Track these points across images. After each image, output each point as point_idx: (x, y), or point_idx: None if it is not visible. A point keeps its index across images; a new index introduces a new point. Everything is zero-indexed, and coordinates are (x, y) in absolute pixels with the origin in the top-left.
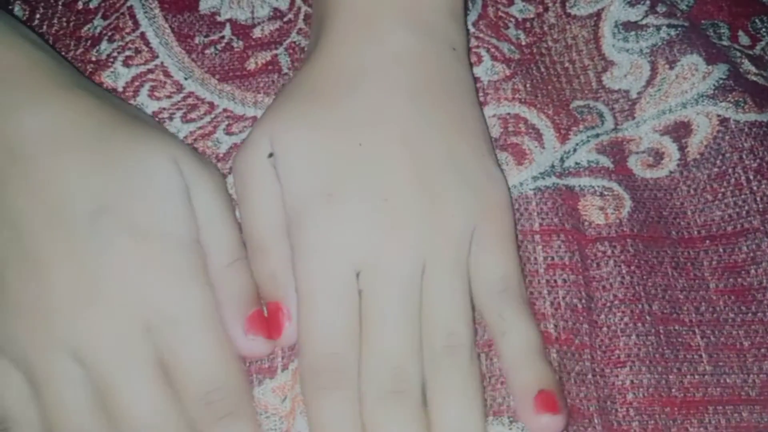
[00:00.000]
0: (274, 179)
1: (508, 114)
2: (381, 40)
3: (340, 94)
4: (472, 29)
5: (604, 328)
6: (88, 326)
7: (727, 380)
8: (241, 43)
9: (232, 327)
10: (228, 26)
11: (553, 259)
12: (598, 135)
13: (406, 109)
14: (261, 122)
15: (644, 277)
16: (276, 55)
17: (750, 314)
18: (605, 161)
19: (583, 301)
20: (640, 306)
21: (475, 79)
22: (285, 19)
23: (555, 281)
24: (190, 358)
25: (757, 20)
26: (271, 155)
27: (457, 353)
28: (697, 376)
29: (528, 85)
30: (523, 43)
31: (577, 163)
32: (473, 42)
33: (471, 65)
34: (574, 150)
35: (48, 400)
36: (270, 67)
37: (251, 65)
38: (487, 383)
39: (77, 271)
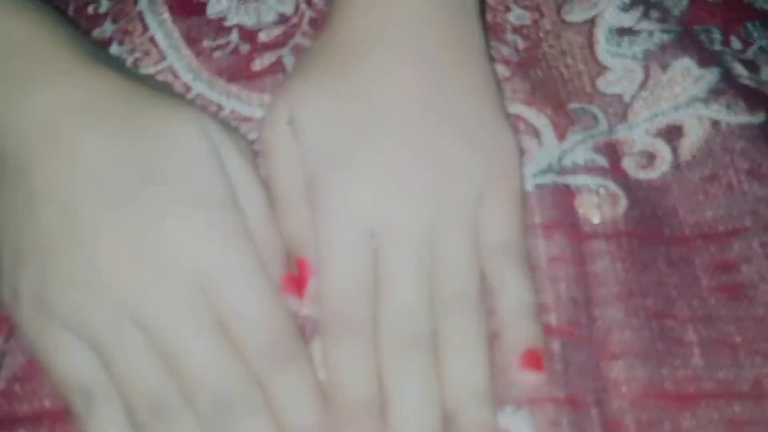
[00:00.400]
0: (295, 144)
1: (509, 113)
2: (390, 2)
3: (352, 62)
4: None
5: (599, 323)
6: (147, 292)
7: (720, 375)
8: (247, 46)
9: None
10: (235, 31)
11: (554, 252)
12: (593, 136)
13: (416, 74)
14: (281, 91)
15: (638, 273)
16: (281, 57)
17: (742, 311)
18: (601, 160)
19: (582, 295)
20: (634, 302)
21: None
22: (290, 24)
23: (557, 275)
24: (245, 311)
25: (749, 25)
26: (290, 122)
27: (466, 307)
28: (690, 371)
29: (527, 86)
30: (521, 47)
31: (574, 162)
32: None
33: (484, 22)
34: (572, 149)
35: (118, 368)
36: (275, 68)
37: (257, 66)
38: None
39: (128, 240)
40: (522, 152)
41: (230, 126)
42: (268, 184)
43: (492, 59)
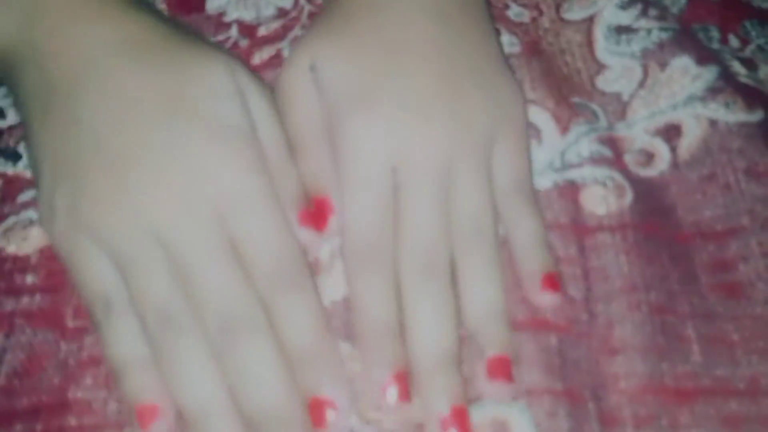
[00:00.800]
0: (315, 89)
1: None
2: None
3: (371, 13)
4: None
5: (601, 318)
6: (168, 213)
7: (717, 372)
8: (246, 41)
9: (289, 218)
10: (234, 26)
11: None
12: (596, 129)
13: (431, 26)
14: (300, 44)
15: (643, 267)
16: (280, 49)
17: (739, 309)
18: (606, 152)
19: (582, 292)
20: (636, 296)
21: None
22: (289, 17)
23: None
24: (259, 238)
25: (747, 23)
26: (312, 68)
27: (483, 237)
28: (688, 367)
29: (527, 80)
30: (523, 39)
31: (578, 154)
32: None
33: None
34: (576, 141)
35: (136, 281)
36: (275, 61)
37: (256, 60)
38: None
39: (153, 162)
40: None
41: (255, 72)
42: (287, 129)
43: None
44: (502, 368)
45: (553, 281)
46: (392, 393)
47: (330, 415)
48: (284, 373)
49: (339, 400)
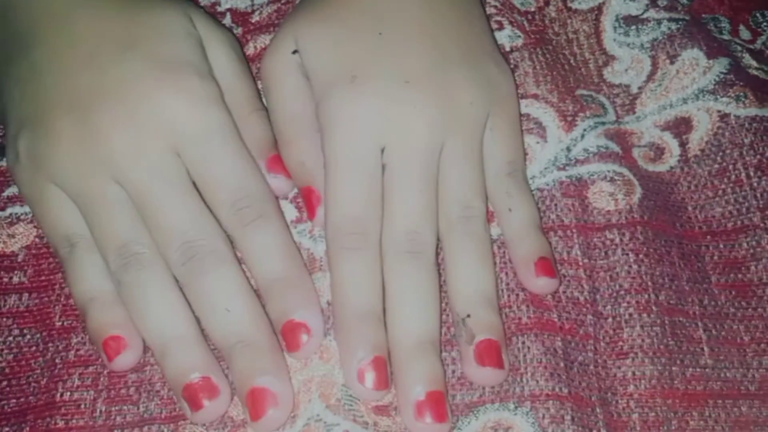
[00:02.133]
0: (300, 74)
1: None
2: None
3: None
4: None
5: (609, 319)
6: (124, 148)
7: (727, 374)
8: (240, 29)
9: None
10: (228, 15)
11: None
12: (603, 123)
13: (420, 7)
14: (284, 25)
15: (653, 265)
16: None
17: (750, 310)
18: (614, 147)
19: (585, 293)
20: (646, 296)
21: None
22: (283, 1)
23: None
24: (217, 170)
25: (758, 14)
26: (295, 52)
27: (473, 222)
28: (698, 369)
29: (530, 74)
30: (527, 28)
31: (585, 149)
32: None
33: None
34: (582, 136)
35: (96, 218)
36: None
37: (250, 50)
38: None
39: (109, 101)
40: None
41: (221, 23)
42: (271, 115)
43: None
44: (493, 354)
45: (549, 266)
46: (369, 379)
47: (303, 338)
48: (250, 299)
49: (312, 322)
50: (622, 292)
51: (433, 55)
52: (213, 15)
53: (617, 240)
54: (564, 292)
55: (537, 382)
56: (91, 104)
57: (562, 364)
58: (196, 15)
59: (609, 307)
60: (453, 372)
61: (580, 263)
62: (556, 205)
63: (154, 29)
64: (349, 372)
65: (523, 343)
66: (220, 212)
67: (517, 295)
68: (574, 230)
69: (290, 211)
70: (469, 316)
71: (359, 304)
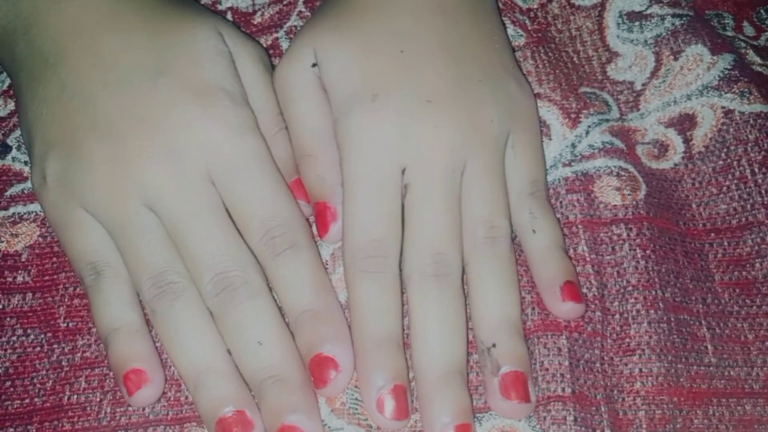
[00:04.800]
0: (319, 87)
1: None
2: None
3: (379, 8)
4: None
5: (617, 316)
6: (158, 175)
7: (731, 373)
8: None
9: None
10: (229, 14)
11: None
12: (607, 120)
13: (442, 24)
14: (302, 35)
15: (659, 262)
16: (277, 39)
17: (755, 307)
18: (619, 143)
19: (594, 290)
20: (653, 292)
21: None
22: (285, 2)
23: None
24: (250, 198)
25: (762, 11)
26: (314, 65)
27: (498, 243)
28: (702, 368)
29: (533, 73)
30: (530, 27)
31: (590, 146)
32: None
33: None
34: (587, 133)
35: (129, 244)
36: (271, 51)
37: None
38: None
39: (144, 127)
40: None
41: (249, 36)
42: (289, 129)
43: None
44: (519, 386)
45: (575, 291)
46: (389, 408)
47: (332, 373)
48: (282, 333)
49: (341, 357)
50: (630, 288)
51: (454, 74)
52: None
53: (624, 235)
54: None
55: (539, 385)
56: (124, 130)
57: (566, 363)
58: (225, 30)
59: (616, 303)
60: None
61: (588, 259)
62: (560, 202)
63: (185, 51)
64: (368, 400)
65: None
66: (253, 241)
67: (523, 298)
68: (579, 226)
69: None
70: (494, 345)
71: (378, 330)
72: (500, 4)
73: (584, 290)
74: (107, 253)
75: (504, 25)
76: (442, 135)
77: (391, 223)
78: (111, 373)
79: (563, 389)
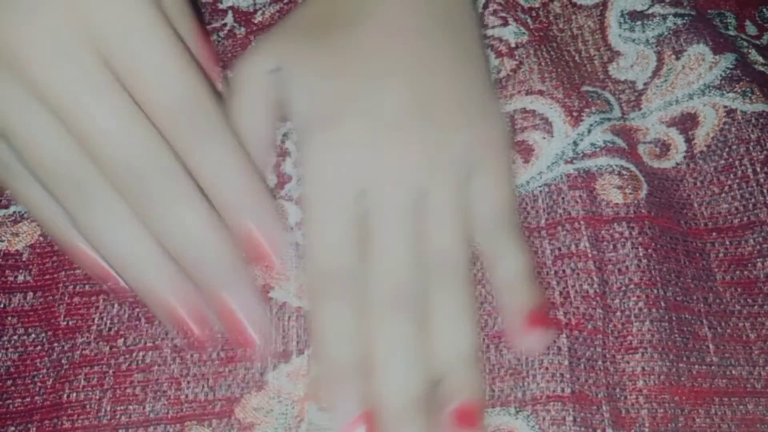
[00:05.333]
0: (272, 96)
1: (515, 110)
2: None
3: (353, 25)
4: None
5: (618, 313)
6: (47, 67)
7: (733, 372)
8: (243, 29)
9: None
10: (230, 13)
11: (560, 250)
12: (609, 119)
13: (411, 43)
14: (269, 39)
15: (660, 261)
16: None
17: (756, 307)
18: (620, 142)
19: (595, 286)
20: (655, 291)
21: None
22: (285, 1)
23: (563, 271)
24: (154, 73)
25: (764, 10)
26: (273, 71)
27: (455, 273)
28: (704, 367)
29: (536, 71)
30: (531, 26)
31: (592, 144)
32: None
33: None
34: (589, 131)
35: (31, 152)
36: None
37: None
38: (496, 375)
39: (29, 16)
40: (511, 131)
41: None
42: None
43: (497, 56)
44: (470, 418)
45: (542, 317)
46: None
47: (266, 249)
48: (211, 217)
49: (272, 235)
50: (632, 286)
51: (422, 99)
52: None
53: (626, 233)
54: (573, 286)
55: (538, 384)
56: (8, 22)
57: (566, 363)
58: None
59: (618, 300)
60: None
61: (589, 255)
62: (563, 198)
63: None
64: (338, 427)
65: (525, 343)
66: (162, 121)
67: None
68: (581, 222)
69: (294, 212)
70: (445, 378)
71: (341, 356)
72: (502, 2)
73: (585, 286)
74: (12, 162)
75: (487, 55)
76: (402, 161)
77: (353, 249)
78: (111, 371)
79: (562, 389)
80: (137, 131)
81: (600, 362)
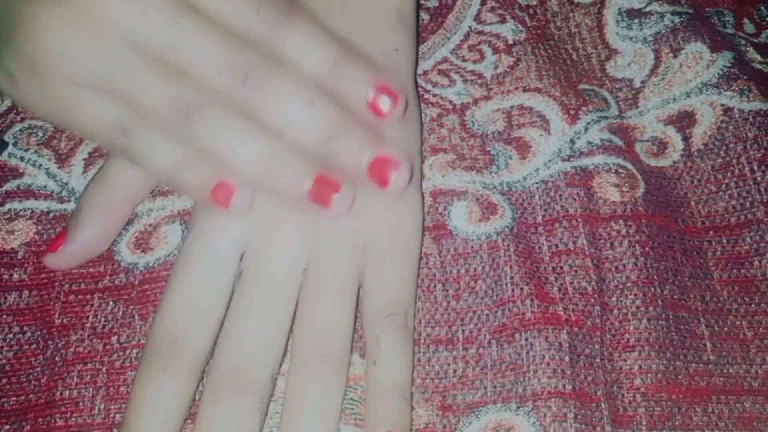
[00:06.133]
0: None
1: (512, 106)
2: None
3: None
4: (473, 23)
5: (615, 311)
6: (98, 64)
7: (730, 370)
8: None
9: None
10: None
11: (557, 246)
12: (606, 117)
13: None
14: None
15: (657, 259)
16: None
17: (753, 305)
18: (617, 141)
19: (593, 283)
20: (652, 289)
21: (478, 75)
22: None
23: (561, 267)
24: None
25: (762, 8)
26: None
27: (323, 366)
28: (701, 365)
29: (533, 68)
30: (529, 24)
31: (589, 142)
32: (474, 39)
33: (416, 63)
34: (586, 129)
35: (136, 89)
36: None
37: None
38: (497, 370)
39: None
40: (424, 214)
41: None
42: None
43: (495, 52)
44: None
45: None
46: None
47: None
48: (323, 94)
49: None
50: (629, 284)
51: None
52: None
53: (624, 231)
54: (571, 282)
55: (539, 380)
56: None
57: (567, 359)
58: None
59: (615, 298)
60: (454, 371)
61: (587, 253)
62: (560, 195)
63: None
64: None
65: (527, 339)
66: (252, 26)
67: (522, 288)
68: (579, 219)
69: None
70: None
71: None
72: (499, 0)
73: (584, 284)
74: (123, 111)
75: (420, 111)
76: (285, 229)
77: (201, 320)
78: (104, 369)
79: (564, 386)
80: (233, 43)
81: (598, 359)
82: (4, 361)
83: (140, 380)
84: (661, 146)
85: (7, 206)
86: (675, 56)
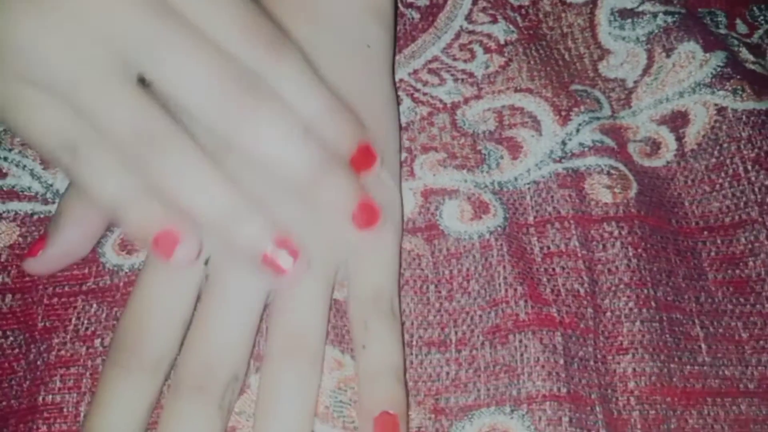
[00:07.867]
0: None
1: (503, 106)
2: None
3: None
4: (464, 23)
5: (608, 313)
6: (67, 67)
7: (726, 372)
8: None
9: None
10: None
11: (549, 248)
12: (598, 118)
13: None
14: None
15: (650, 261)
16: None
17: (748, 306)
18: (609, 142)
19: (586, 285)
20: (645, 291)
21: (469, 75)
22: None
23: (553, 269)
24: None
25: (755, 8)
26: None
27: (297, 359)
28: (696, 367)
29: (525, 69)
30: (521, 24)
31: (581, 144)
32: (465, 38)
33: (393, 61)
34: (577, 131)
35: (98, 113)
36: None
37: None
38: (491, 372)
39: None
40: (404, 210)
41: None
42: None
43: (486, 51)
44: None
45: (393, 425)
46: None
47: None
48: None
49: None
50: (622, 286)
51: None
52: None
53: (616, 233)
54: (564, 284)
55: (534, 383)
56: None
57: (561, 362)
58: None
59: (608, 300)
60: (447, 374)
61: (579, 255)
62: (552, 196)
63: None
64: None
65: (521, 341)
66: (241, 46)
67: (515, 289)
68: (571, 221)
69: None
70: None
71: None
72: (491, 0)
73: (576, 286)
74: (78, 127)
75: (397, 108)
76: (255, 219)
77: (169, 320)
78: (87, 373)
79: (558, 389)
80: (213, 67)
81: (592, 362)
82: None
83: (103, 378)
84: (654, 146)
85: None
86: (668, 56)
